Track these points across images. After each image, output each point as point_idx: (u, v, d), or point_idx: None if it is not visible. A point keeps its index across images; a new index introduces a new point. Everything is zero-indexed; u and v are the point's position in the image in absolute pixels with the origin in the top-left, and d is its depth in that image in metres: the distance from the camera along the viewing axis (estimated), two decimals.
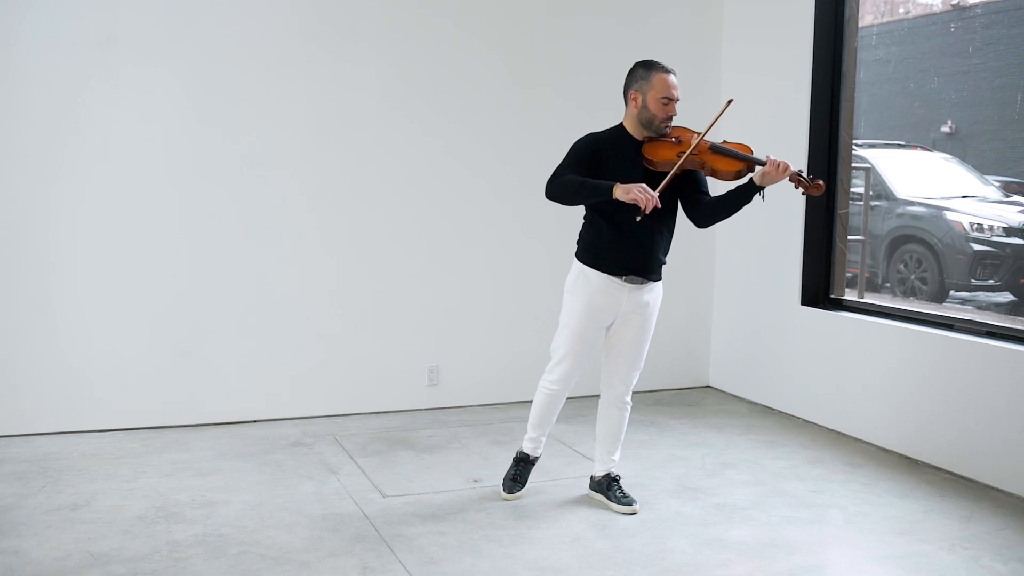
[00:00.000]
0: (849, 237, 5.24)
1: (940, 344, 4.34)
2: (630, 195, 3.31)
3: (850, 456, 4.52)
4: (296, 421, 5.02)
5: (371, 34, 5.04)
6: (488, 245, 5.39)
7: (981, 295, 5.78)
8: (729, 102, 3.55)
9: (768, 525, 3.62)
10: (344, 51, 5.00)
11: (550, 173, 3.62)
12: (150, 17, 4.67)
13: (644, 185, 3.33)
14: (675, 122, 3.63)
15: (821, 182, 3.50)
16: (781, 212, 5.27)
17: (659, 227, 3.59)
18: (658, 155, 3.53)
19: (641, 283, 3.63)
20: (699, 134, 3.53)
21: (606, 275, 3.59)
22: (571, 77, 5.43)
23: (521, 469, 3.92)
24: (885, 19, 6.63)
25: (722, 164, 3.52)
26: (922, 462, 4.40)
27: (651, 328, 3.74)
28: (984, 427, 4.10)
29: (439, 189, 5.25)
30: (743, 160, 3.52)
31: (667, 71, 3.54)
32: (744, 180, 3.54)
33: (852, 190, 5.22)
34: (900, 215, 6.16)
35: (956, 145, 6.23)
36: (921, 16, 6.66)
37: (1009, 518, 3.73)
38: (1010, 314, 5.44)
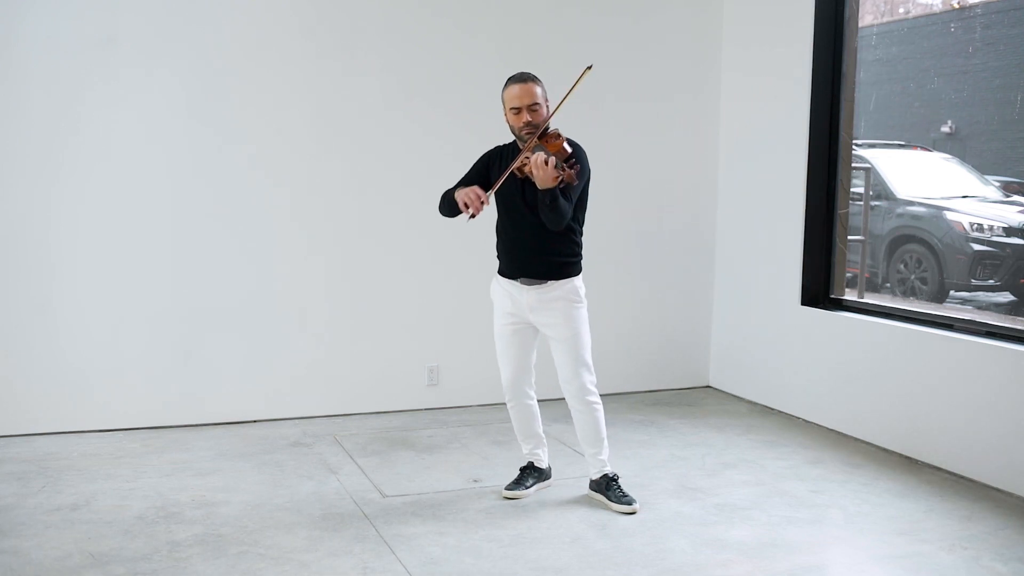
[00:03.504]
0: (849, 237, 5.23)
1: (940, 344, 4.34)
2: (459, 199, 3.58)
3: (850, 456, 4.52)
4: (296, 421, 5.02)
5: (371, 34, 5.03)
6: (488, 244, 5.37)
7: (981, 295, 5.78)
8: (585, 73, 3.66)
9: (768, 525, 3.62)
10: (344, 51, 5.00)
11: None
12: (150, 17, 4.67)
13: (476, 188, 3.55)
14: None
15: (571, 171, 3.44)
16: (781, 212, 5.27)
17: (540, 228, 3.65)
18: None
19: (539, 283, 3.70)
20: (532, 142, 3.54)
21: (506, 279, 3.78)
22: (571, 76, 5.40)
23: (524, 475, 3.96)
24: (885, 19, 6.63)
25: (528, 168, 3.51)
26: (922, 462, 4.40)
27: (576, 325, 3.72)
28: (984, 427, 4.10)
29: (438, 188, 5.23)
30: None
31: (516, 81, 3.65)
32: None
33: (852, 190, 5.21)
34: (900, 215, 6.16)
35: (956, 145, 6.23)
36: (921, 16, 6.66)
37: (1009, 518, 3.73)
38: (1010, 314, 5.44)
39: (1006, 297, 5.72)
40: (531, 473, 3.95)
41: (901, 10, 6.80)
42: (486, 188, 3.63)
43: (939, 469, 4.30)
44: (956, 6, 6.40)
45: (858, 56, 5.08)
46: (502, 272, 3.83)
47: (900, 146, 6.47)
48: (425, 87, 5.16)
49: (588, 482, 3.94)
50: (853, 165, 5.22)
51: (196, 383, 4.90)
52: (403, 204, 5.18)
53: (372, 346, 5.19)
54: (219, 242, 4.88)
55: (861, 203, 5.55)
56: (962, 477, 4.19)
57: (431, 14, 5.14)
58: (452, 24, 5.19)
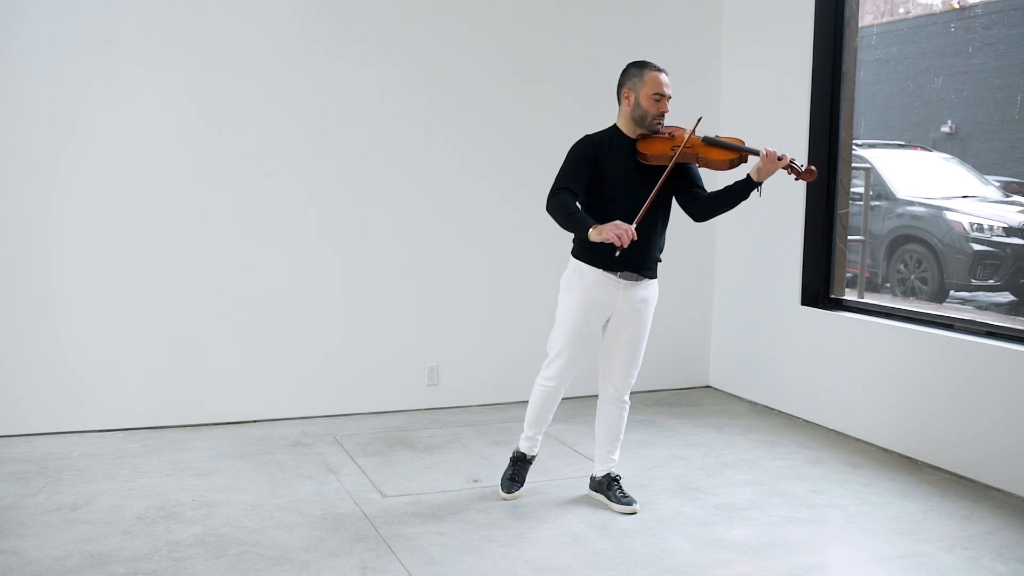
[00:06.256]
0: (849, 237, 5.24)
1: (940, 344, 4.34)
2: (603, 236, 3.36)
3: (850, 456, 4.52)
4: (296, 421, 5.02)
5: (371, 32, 5.03)
6: (489, 244, 5.39)
7: (981, 295, 5.78)
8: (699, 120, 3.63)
9: (768, 525, 3.62)
10: (344, 49, 5.00)
11: (552, 172, 3.65)
12: (150, 17, 4.67)
13: (617, 222, 3.38)
14: (668, 122, 3.67)
15: (814, 167, 3.54)
16: (781, 212, 5.27)
17: (654, 223, 3.62)
18: (652, 149, 3.59)
19: (636, 280, 3.65)
20: (691, 129, 3.58)
21: (600, 270, 3.62)
22: (573, 73, 5.43)
23: (519, 469, 3.93)
24: (885, 19, 6.63)
25: (715, 155, 3.57)
26: (922, 462, 4.40)
27: (647, 327, 3.75)
28: (984, 427, 4.10)
29: (440, 188, 5.25)
30: (736, 150, 3.58)
31: (659, 70, 3.62)
32: (739, 171, 3.59)
33: (852, 190, 5.22)
34: (900, 215, 6.16)
35: (956, 145, 6.23)
36: (921, 16, 6.67)
37: (1009, 518, 3.73)
38: (1010, 314, 5.44)
39: (1006, 297, 5.72)
40: (523, 466, 3.93)
41: (901, 10, 6.81)
42: (594, 181, 3.57)
43: (939, 469, 4.30)
44: (956, 6, 6.40)
45: (858, 56, 5.08)
46: (596, 263, 3.61)
47: (900, 146, 6.48)
48: (426, 84, 5.16)
49: (589, 481, 3.93)
50: (853, 165, 5.22)
51: (196, 383, 4.89)
52: (404, 203, 5.18)
53: (372, 346, 5.19)
54: (219, 242, 4.87)
55: (861, 203, 5.56)
56: (962, 477, 4.19)
57: (431, 11, 5.14)
58: (453, 23, 5.18)
